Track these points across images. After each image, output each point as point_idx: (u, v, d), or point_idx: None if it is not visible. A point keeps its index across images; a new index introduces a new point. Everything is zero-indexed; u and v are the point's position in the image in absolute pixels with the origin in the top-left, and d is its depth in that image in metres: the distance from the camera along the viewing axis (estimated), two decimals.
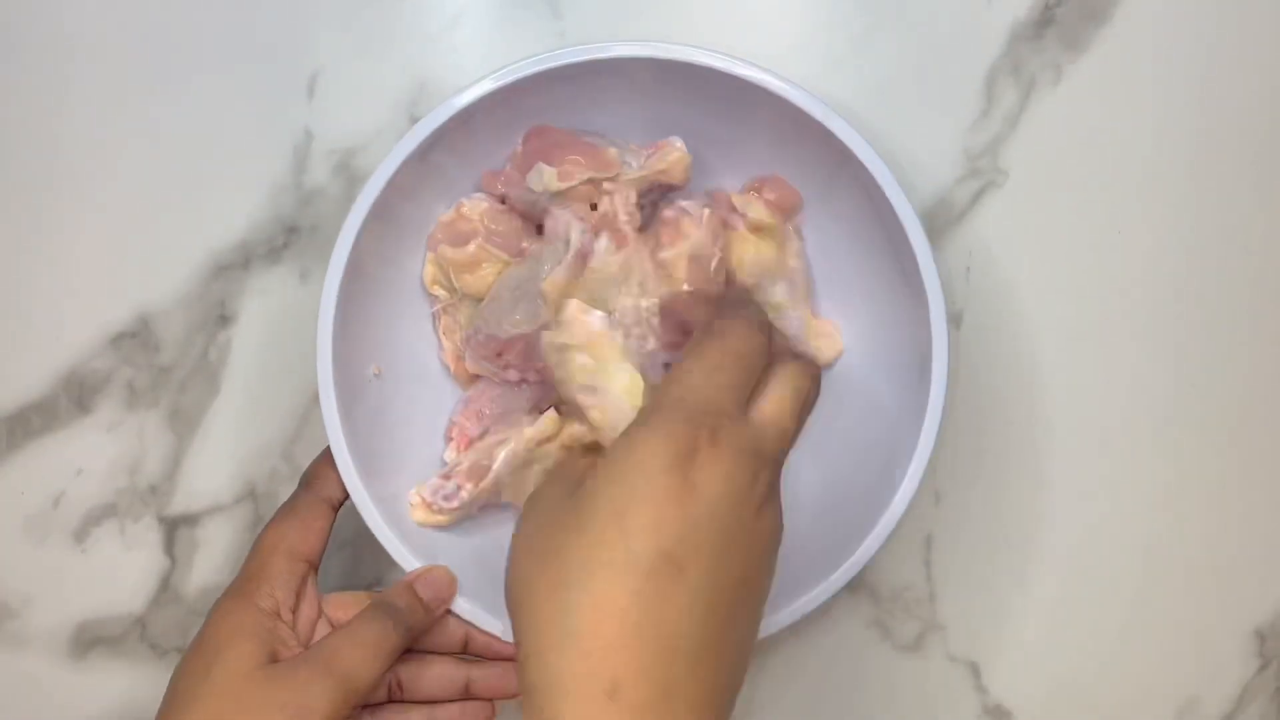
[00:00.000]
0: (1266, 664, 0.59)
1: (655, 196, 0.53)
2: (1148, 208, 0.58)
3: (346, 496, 0.51)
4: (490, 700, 0.53)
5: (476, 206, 0.53)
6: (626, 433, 0.41)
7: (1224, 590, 0.59)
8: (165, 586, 0.59)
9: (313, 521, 0.51)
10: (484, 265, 0.53)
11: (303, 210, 0.58)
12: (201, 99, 0.58)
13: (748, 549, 0.40)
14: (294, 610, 0.50)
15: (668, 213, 0.52)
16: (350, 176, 0.58)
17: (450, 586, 0.52)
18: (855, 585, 0.51)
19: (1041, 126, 0.57)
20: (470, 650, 0.53)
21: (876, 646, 0.59)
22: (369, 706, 0.51)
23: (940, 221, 0.57)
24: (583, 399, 0.51)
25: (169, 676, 0.48)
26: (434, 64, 0.57)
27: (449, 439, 0.55)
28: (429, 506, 0.53)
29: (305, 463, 0.53)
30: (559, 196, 0.51)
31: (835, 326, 0.55)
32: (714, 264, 0.51)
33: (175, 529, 0.59)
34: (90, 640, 0.59)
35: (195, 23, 0.57)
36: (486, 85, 0.49)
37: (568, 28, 0.57)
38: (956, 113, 0.57)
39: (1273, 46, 0.57)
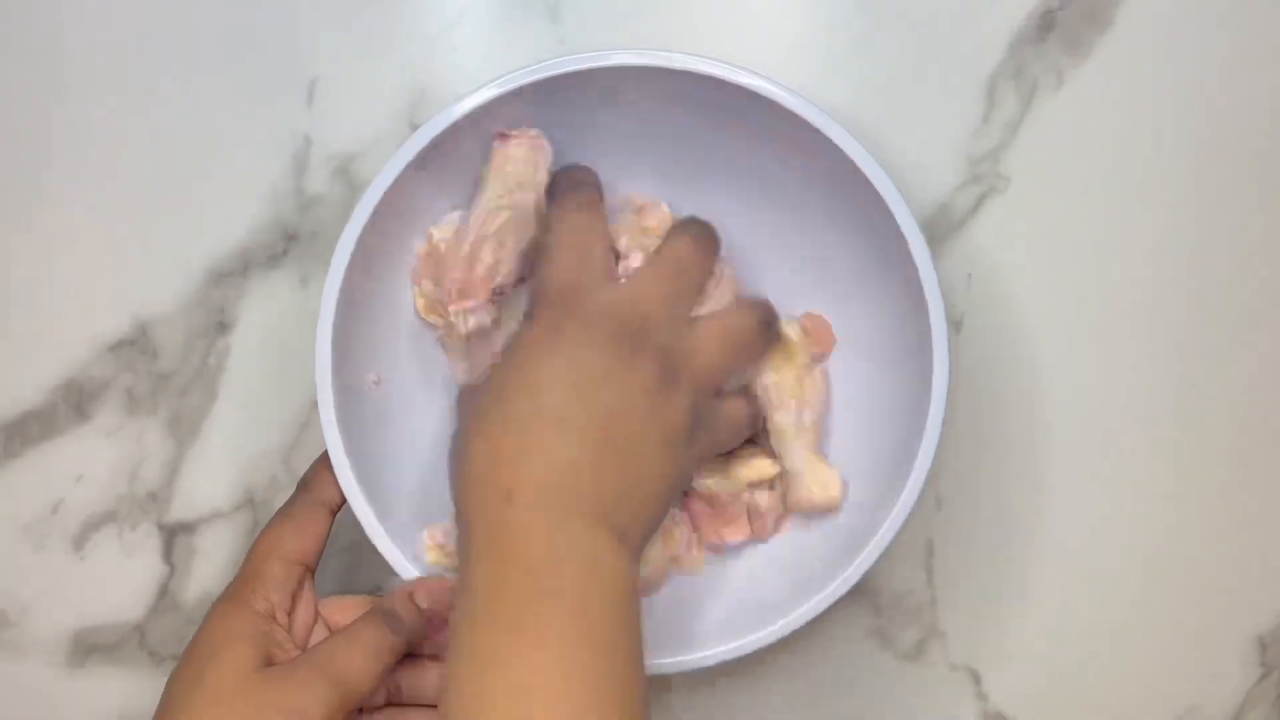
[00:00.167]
0: (1268, 672, 0.59)
1: None
2: (1149, 213, 0.58)
3: (344, 500, 0.51)
4: None
5: (446, 232, 0.53)
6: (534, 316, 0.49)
7: (1225, 597, 0.59)
8: (164, 594, 0.59)
9: (309, 525, 0.51)
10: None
11: (302, 216, 0.58)
12: (200, 104, 0.58)
13: (627, 404, 0.47)
14: (290, 614, 0.50)
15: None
16: (350, 182, 0.57)
17: (449, 594, 0.51)
18: (856, 591, 0.51)
19: (1043, 132, 0.57)
20: None
21: (877, 654, 0.59)
22: (366, 711, 0.51)
23: (941, 228, 0.57)
24: None
25: None
26: (433, 67, 0.57)
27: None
28: (442, 549, 0.53)
29: (304, 470, 0.53)
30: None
31: (836, 479, 0.53)
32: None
33: (174, 536, 0.59)
34: (88, 648, 0.59)
35: (194, 27, 0.57)
36: (486, 93, 0.49)
37: (566, 31, 0.57)
38: (957, 118, 0.57)
39: (1274, 50, 0.57)
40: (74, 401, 0.58)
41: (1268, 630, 0.59)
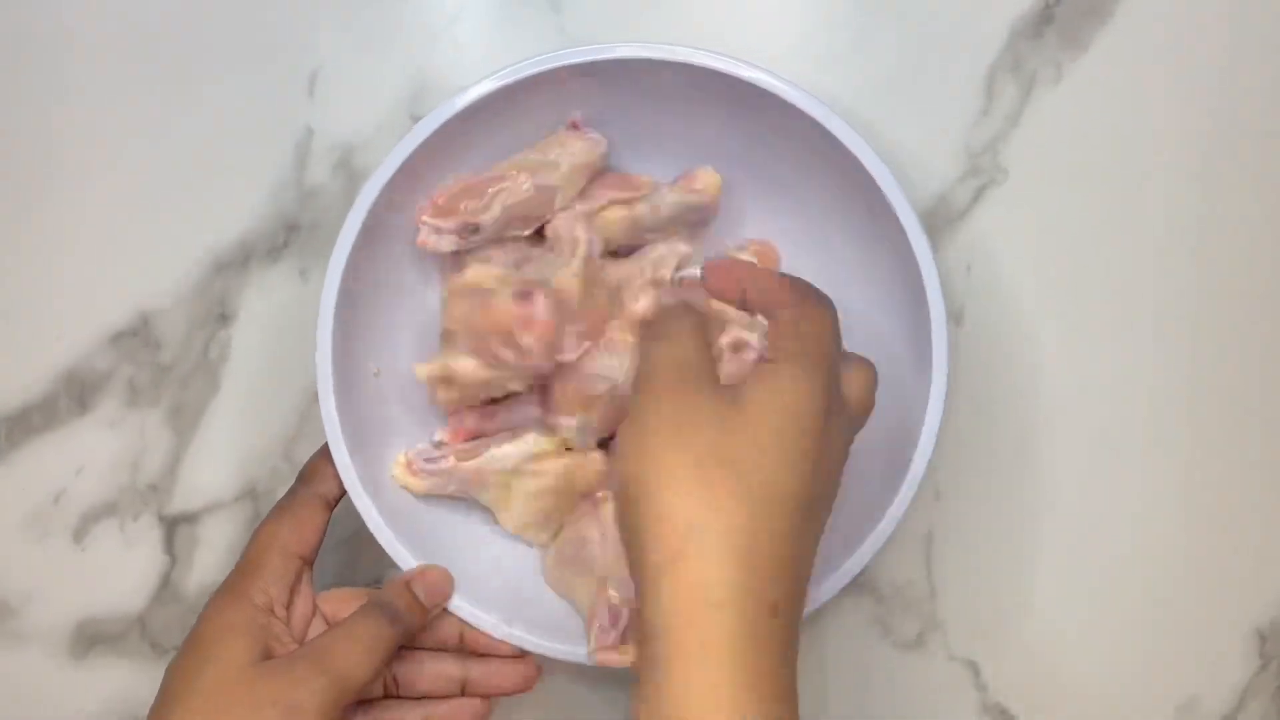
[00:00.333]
0: (1267, 664, 0.59)
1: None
2: (1149, 205, 0.58)
3: (343, 493, 0.51)
4: (486, 697, 0.53)
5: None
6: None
7: (1224, 589, 0.59)
8: (165, 584, 0.59)
9: (308, 518, 0.51)
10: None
11: (303, 208, 0.58)
12: (202, 96, 0.58)
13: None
14: (288, 606, 0.50)
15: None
16: (351, 174, 0.58)
17: (447, 586, 0.52)
18: (856, 582, 0.51)
19: (1042, 124, 0.57)
20: (466, 647, 0.53)
21: (877, 644, 0.59)
22: (364, 703, 0.51)
23: (941, 220, 0.57)
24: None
25: None
26: (435, 60, 0.57)
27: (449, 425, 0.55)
28: (409, 467, 0.53)
29: (304, 461, 0.53)
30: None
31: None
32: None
33: (175, 527, 0.59)
34: (90, 638, 0.59)
35: (195, 20, 0.57)
36: (487, 85, 0.49)
37: (567, 24, 0.57)
38: (957, 111, 0.57)
39: (1272, 43, 0.57)
40: (75, 392, 0.58)
41: (1267, 622, 0.59)
